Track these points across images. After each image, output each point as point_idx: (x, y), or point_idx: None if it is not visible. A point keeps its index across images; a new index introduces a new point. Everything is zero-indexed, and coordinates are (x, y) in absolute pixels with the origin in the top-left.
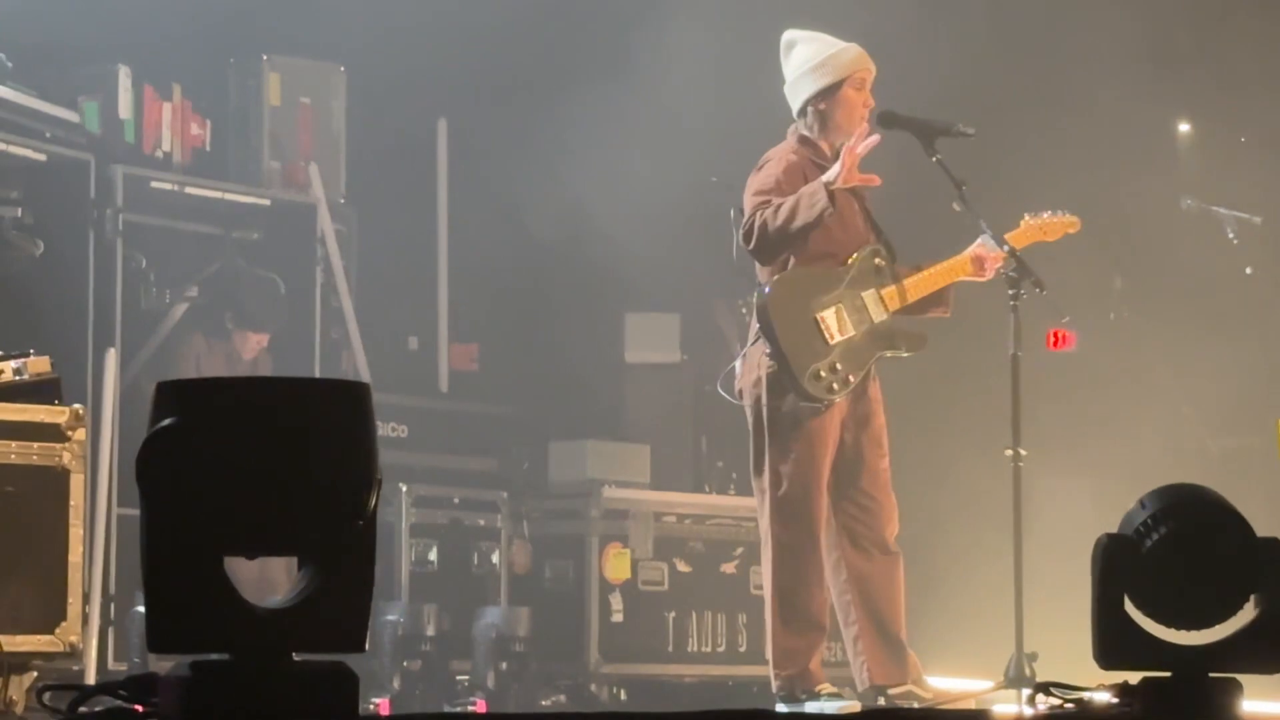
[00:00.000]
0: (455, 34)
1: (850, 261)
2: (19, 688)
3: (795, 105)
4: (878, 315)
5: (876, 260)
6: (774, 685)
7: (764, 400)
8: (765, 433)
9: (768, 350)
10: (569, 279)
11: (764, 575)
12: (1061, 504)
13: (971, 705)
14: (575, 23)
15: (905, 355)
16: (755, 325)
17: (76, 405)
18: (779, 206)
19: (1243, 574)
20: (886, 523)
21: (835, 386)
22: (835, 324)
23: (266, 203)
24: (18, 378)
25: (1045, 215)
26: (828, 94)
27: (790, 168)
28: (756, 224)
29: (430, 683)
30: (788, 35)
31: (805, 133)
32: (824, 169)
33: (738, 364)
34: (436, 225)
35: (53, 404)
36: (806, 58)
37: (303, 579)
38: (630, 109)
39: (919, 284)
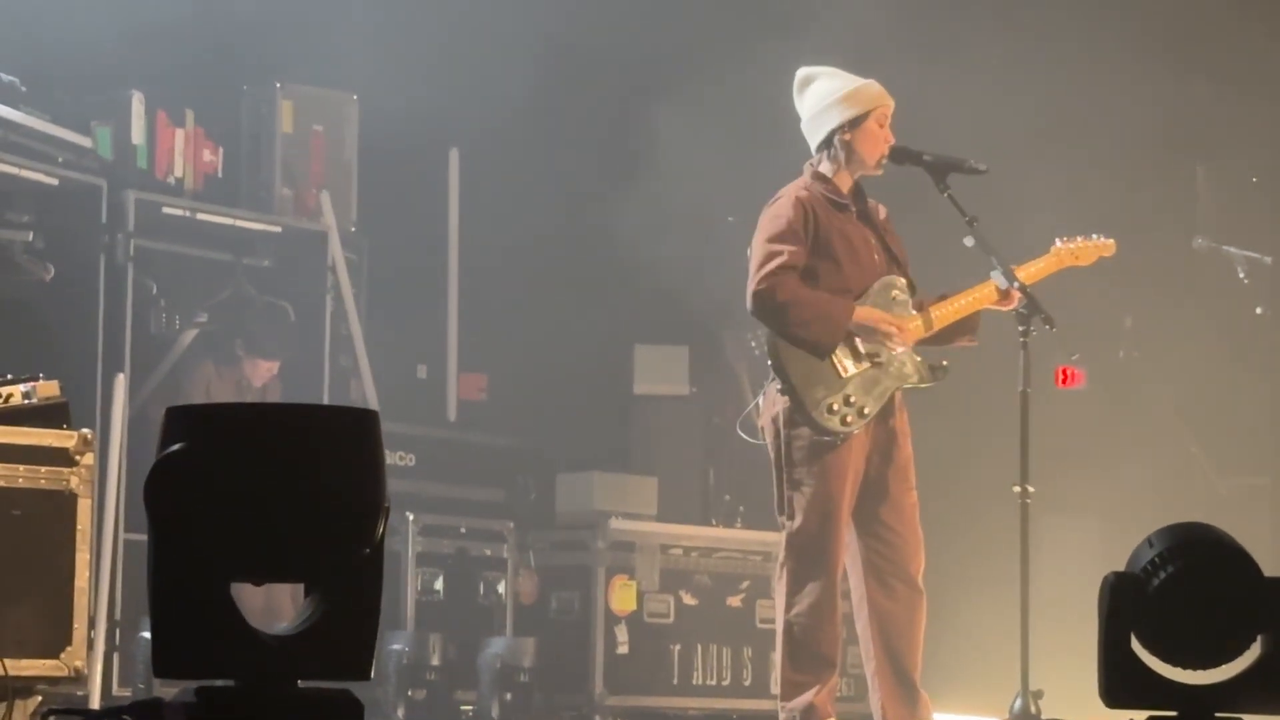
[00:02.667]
0: (467, 64)
1: (865, 295)
2: (23, 712)
3: (818, 137)
4: (895, 347)
5: (894, 292)
6: (780, 718)
7: (781, 435)
8: (783, 468)
9: (780, 386)
10: (578, 310)
11: (776, 608)
12: (1068, 541)
13: None
14: (585, 54)
15: (927, 386)
16: (769, 361)
17: (85, 430)
18: (801, 305)
19: (1250, 614)
20: (911, 558)
21: (850, 419)
22: (849, 357)
23: (278, 230)
24: (27, 401)
25: (1079, 240)
26: (854, 126)
27: (799, 204)
28: (775, 298)
29: (435, 712)
30: (803, 72)
31: (822, 167)
32: (836, 204)
33: (760, 402)
34: (447, 255)
35: (61, 428)
36: (830, 90)
37: (309, 606)
38: (641, 141)
39: (942, 314)
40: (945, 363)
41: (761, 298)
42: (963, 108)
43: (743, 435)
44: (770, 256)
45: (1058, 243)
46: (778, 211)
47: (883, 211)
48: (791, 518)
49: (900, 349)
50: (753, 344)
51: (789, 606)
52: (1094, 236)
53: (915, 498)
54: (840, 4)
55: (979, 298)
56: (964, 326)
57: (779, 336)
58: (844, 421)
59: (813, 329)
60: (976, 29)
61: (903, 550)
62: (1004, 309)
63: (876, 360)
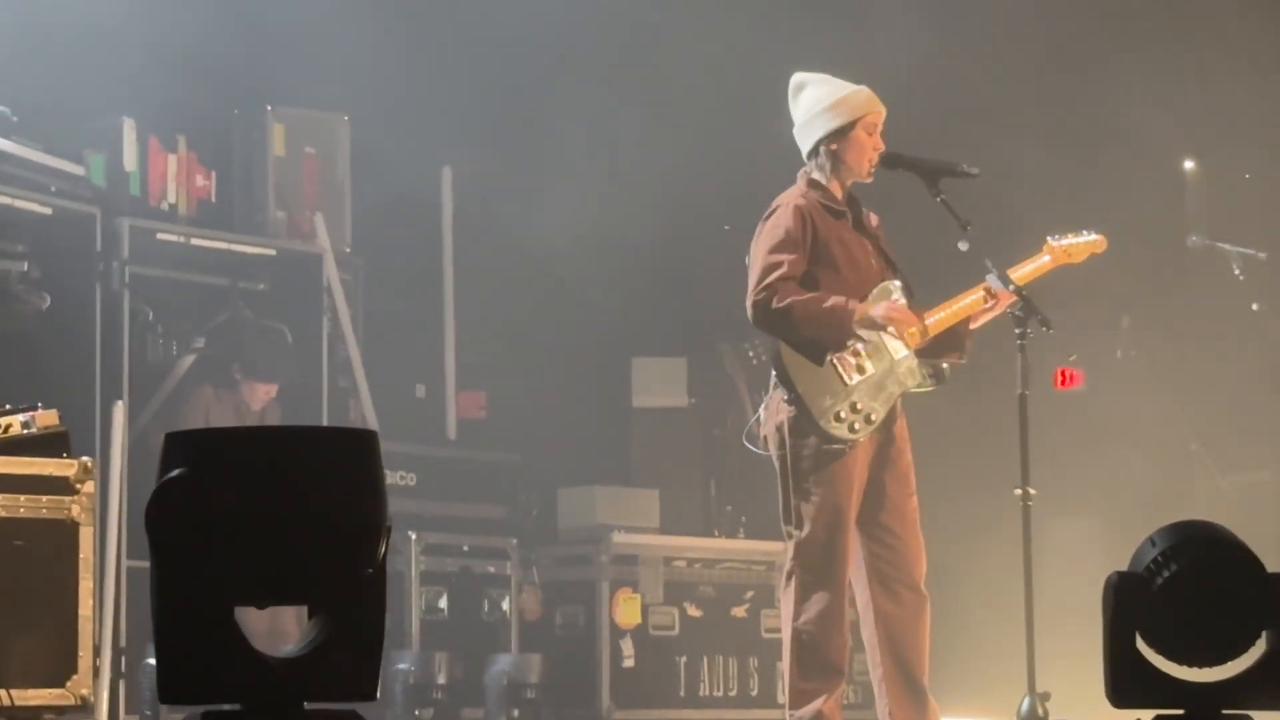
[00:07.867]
0: (457, 81)
1: (864, 301)
2: None
3: (806, 146)
4: (897, 352)
5: (893, 296)
6: None
7: (787, 445)
8: (789, 477)
9: (786, 396)
10: (575, 325)
11: (783, 617)
12: (1071, 542)
13: None
14: (578, 68)
15: (929, 390)
16: (774, 372)
17: (85, 458)
18: (804, 304)
19: (1254, 610)
20: (914, 563)
21: (857, 426)
22: (853, 364)
23: (272, 253)
24: (26, 431)
25: (1069, 237)
26: (840, 135)
27: (799, 213)
28: (771, 305)
29: None
30: (796, 78)
31: (815, 175)
32: (833, 212)
33: (761, 413)
34: (442, 273)
35: (61, 457)
36: (818, 98)
37: (313, 628)
38: (636, 154)
39: (937, 321)
40: (946, 365)
41: (760, 307)
42: (952, 110)
43: (748, 445)
44: (771, 268)
45: (1049, 240)
46: (777, 221)
47: (875, 219)
48: (800, 527)
49: (902, 350)
50: (750, 354)
51: (797, 615)
52: (1084, 233)
53: (916, 503)
54: (835, 6)
55: (970, 303)
56: (952, 342)
57: (783, 341)
58: (852, 429)
59: (815, 327)
60: (970, 26)
61: (906, 556)
62: (994, 313)
63: (879, 363)
